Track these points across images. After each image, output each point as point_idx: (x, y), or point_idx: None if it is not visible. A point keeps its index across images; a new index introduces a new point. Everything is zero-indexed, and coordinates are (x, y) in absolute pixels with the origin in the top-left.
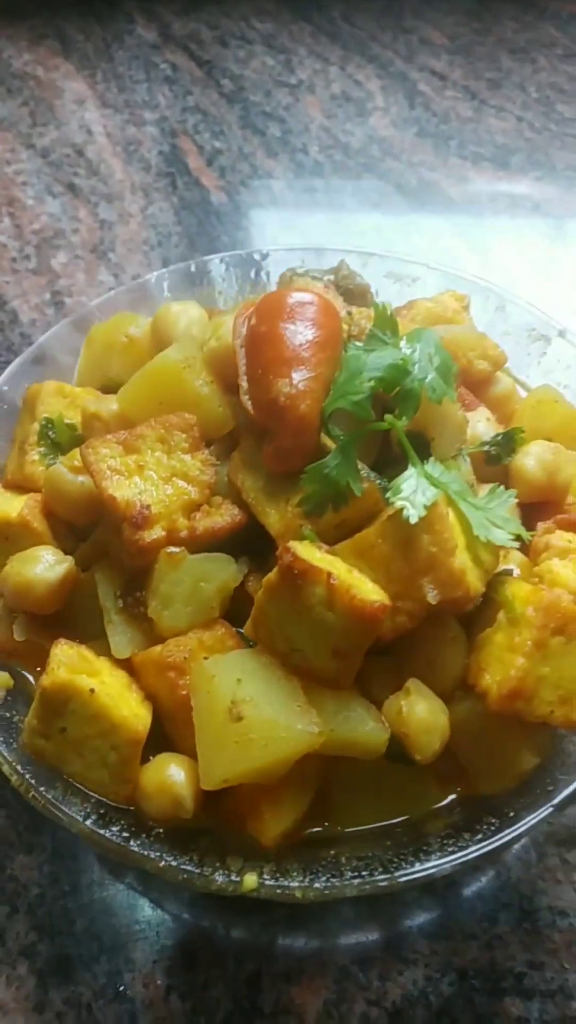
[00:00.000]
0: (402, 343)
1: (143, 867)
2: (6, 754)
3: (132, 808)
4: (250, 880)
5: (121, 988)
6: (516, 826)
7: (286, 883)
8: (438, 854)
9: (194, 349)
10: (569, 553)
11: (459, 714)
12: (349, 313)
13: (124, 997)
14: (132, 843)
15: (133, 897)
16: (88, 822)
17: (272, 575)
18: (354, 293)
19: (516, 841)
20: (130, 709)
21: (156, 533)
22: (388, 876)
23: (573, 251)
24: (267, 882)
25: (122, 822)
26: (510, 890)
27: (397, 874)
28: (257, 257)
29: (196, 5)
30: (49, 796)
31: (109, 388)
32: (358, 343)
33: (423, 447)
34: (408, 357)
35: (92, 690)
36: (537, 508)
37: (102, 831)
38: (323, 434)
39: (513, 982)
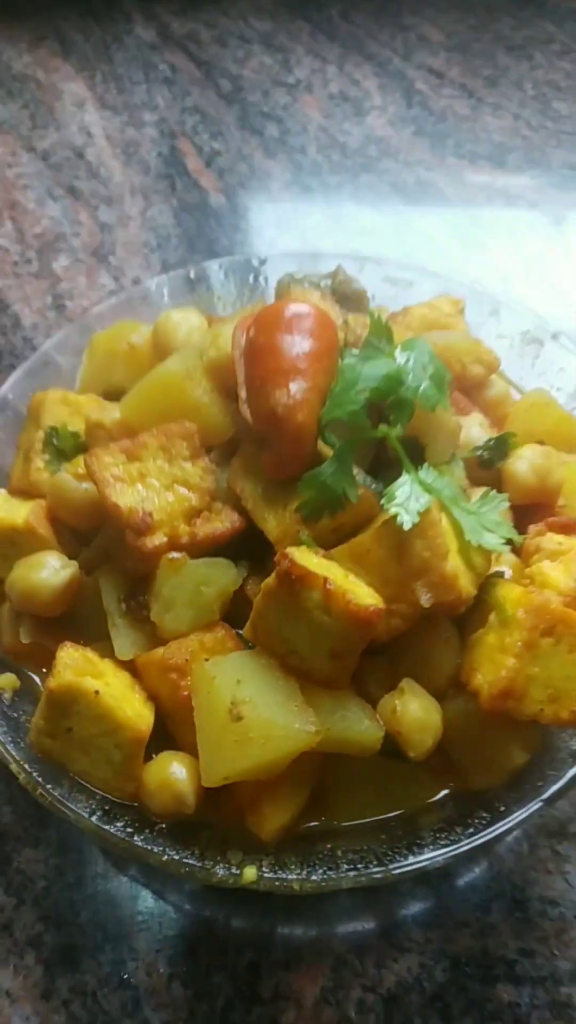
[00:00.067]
0: (396, 352)
1: (147, 861)
2: (14, 753)
3: (136, 804)
4: (250, 873)
5: (125, 976)
6: (506, 820)
7: (284, 875)
8: (431, 847)
9: (194, 358)
10: (559, 555)
11: (452, 712)
12: (345, 321)
13: (128, 985)
14: (136, 838)
15: (136, 889)
16: (94, 818)
17: (270, 580)
18: (351, 298)
19: (507, 834)
20: (133, 709)
21: (158, 539)
22: (383, 868)
23: (569, 248)
24: (266, 875)
25: (126, 818)
26: (502, 880)
27: (391, 867)
28: (255, 263)
29: (195, 4)
30: (56, 793)
31: (111, 394)
32: (355, 350)
33: (417, 452)
34: (402, 367)
35: (97, 692)
36: (529, 510)
37: (107, 827)
38: (320, 442)
39: (505, 969)
